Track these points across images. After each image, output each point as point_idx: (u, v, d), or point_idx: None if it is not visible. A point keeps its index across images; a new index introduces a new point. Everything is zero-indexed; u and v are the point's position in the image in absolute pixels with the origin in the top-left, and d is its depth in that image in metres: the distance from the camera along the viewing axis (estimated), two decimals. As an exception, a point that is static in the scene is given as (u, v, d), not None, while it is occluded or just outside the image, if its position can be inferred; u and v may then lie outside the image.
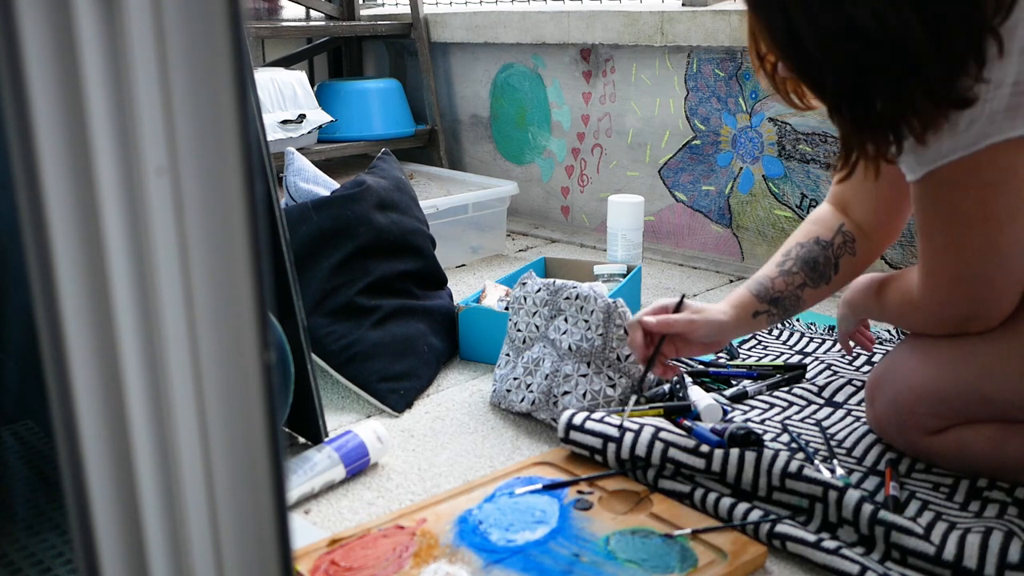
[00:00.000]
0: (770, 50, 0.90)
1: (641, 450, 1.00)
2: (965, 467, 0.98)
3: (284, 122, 2.10)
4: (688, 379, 1.24)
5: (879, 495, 0.95)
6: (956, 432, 0.97)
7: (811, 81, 0.88)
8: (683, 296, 1.10)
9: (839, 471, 0.99)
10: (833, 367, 1.31)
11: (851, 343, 1.21)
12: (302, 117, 2.14)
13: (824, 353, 1.39)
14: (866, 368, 1.30)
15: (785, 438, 1.09)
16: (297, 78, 2.18)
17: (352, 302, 1.32)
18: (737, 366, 1.32)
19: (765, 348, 1.43)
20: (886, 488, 0.95)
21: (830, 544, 0.86)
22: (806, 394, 1.21)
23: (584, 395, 1.15)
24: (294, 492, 0.99)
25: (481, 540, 0.90)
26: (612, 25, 2.06)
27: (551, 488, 0.99)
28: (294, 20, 2.67)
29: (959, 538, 0.84)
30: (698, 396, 1.17)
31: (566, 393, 1.16)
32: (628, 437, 1.01)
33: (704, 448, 0.99)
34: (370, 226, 1.36)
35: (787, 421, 1.14)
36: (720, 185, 1.99)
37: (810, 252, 1.08)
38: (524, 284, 1.28)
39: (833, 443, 1.08)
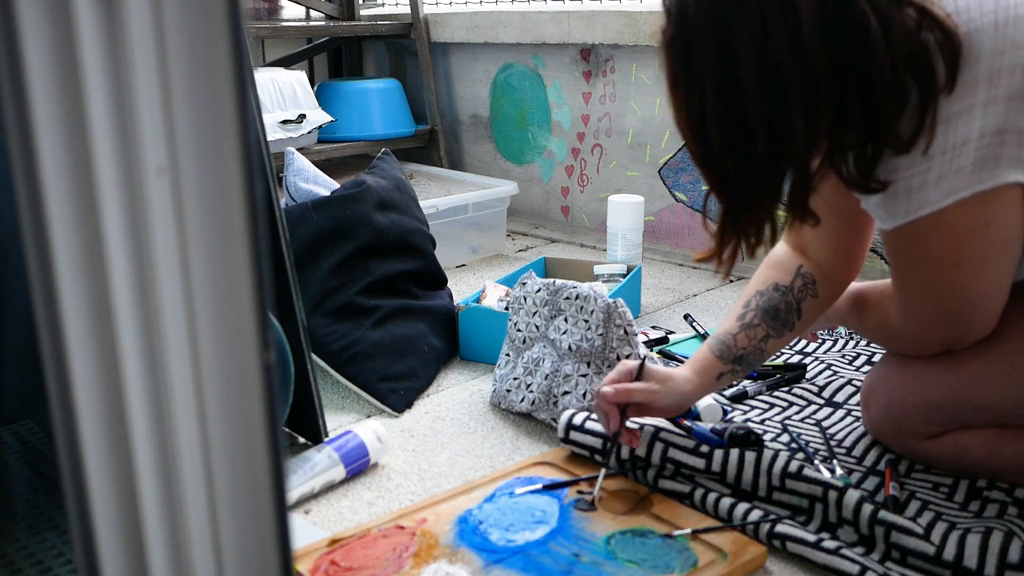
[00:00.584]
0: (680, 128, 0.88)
1: (641, 450, 1.00)
2: (963, 470, 0.98)
3: (284, 122, 2.10)
4: (688, 379, 1.24)
5: (879, 495, 0.95)
6: (953, 437, 0.97)
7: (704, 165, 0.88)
8: (644, 360, 1.05)
9: (839, 471, 0.99)
10: (833, 367, 1.31)
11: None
12: (302, 117, 2.14)
13: (824, 353, 1.39)
14: (866, 368, 1.30)
15: (785, 438, 1.09)
16: (297, 78, 2.18)
17: (352, 302, 1.32)
18: (737, 366, 1.32)
19: (765, 348, 1.43)
20: (886, 488, 0.95)
21: (830, 544, 0.86)
22: (806, 394, 1.21)
23: (584, 395, 1.15)
24: (294, 492, 0.99)
25: (481, 540, 0.90)
26: (612, 25, 2.06)
27: (551, 488, 0.99)
28: (294, 20, 2.67)
29: (959, 538, 0.84)
30: (698, 396, 1.17)
31: (566, 393, 1.16)
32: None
33: (704, 448, 0.99)
34: (370, 226, 1.36)
35: (787, 421, 1.14)
36: (720, 185, 1.99)
37: (770, 300, 1.05)
38: (524, 284, 1.28)
39: (833, 443, 1.08)
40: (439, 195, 1.98)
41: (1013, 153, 0.80)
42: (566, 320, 1.20)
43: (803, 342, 1.44)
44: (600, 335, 1.16)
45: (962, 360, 0.93)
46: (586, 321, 1.17)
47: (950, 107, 0.81)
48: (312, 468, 1.01)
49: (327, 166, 2.08)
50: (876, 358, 1.33)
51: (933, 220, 0.84)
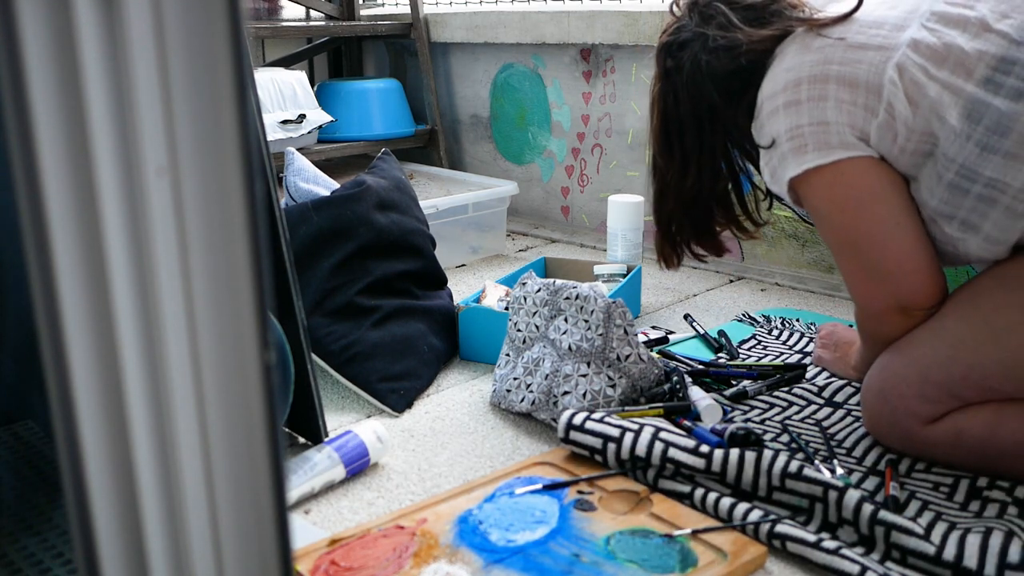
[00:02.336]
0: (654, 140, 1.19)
1: (641, 450, 1.00)
2: (962, 458, 0.98)
3: (284, 122, 2.10)
4: (688, 379, 1.24)
5: (879, 495, 0.95)
6: (951, 419, 0.97)
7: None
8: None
9: (839, 471, 0.99)
10: (833, 367, 1.31)
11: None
12: (302, 117, 2.14)
13: (824, 353, 1.39)
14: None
15: (785, 438, 1.09)
16: (297, 78, 2.18)
17: (352, 302, 1.32)
18: (737, 366, 1.32)
19: (765, 348, 1.43)
20: (886, 488, 0.95)
21: (830, 544, 0.86)
22: (806, 394, 1.21)
23: (584, 395, 1.15)
24: (294, 492, 0.99)
25: (481, 540, 0.90)
26: (612, 25, 2.06)
27: (551, 488, 0.99)
28: (294, 20, 2.67)
29: (959, 538, 0.84)
30: (698, 396, 1.17)
31: (566, 393, 1.16)
32: (628, 437, 1.01)
33: (704, 448, 0.99)
34: (370, 226, 1.36)
35: (787, 421, 1.14)
36: (720, 185, 1.99)
37: None
38: (524, 284, 1.28)
39: (833, 443, 1.08)
40: (439, 195, 1.98)
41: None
42: (566, 320, 1.20)
43: (804, 341, 1.44)
44: (600, 335, 1.16)
45: (944, 326, 0.98)
46: (586, 321, 1.17)
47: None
48: (312, 468, 1.01)
49: (327, 166, 2.08)
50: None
51: (799, 184, 1.04)
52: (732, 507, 0.93)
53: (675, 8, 1.16)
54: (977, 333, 0.96)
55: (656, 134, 1.17)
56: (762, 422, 1.14)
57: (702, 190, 1.16)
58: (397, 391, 1.26)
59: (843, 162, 1.00)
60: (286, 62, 2.56)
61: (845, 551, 0.85)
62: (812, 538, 0.87)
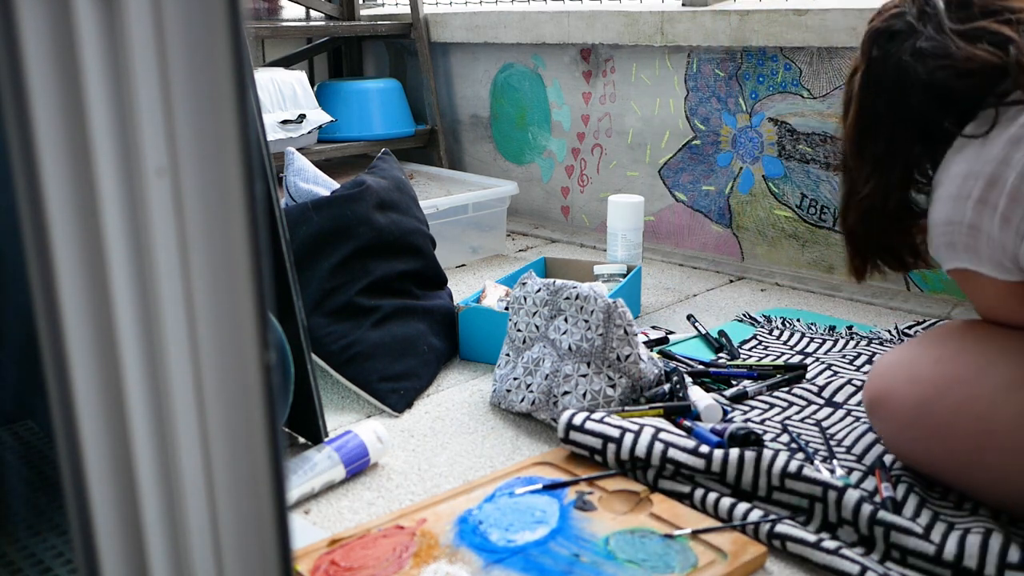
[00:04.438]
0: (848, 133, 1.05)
1: (641, 450, 1.00)
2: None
3: (284, 122, 2.10)
4: (688, 379, 1.24)
5: (878, 495, 0.95)
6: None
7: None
8: None
9: (839, 471, 0.99)
10: (833, 367, 1.31)
11: None
12: (302, 117, 2.14)
13: (824, 353, 1.39)
14: (867, 368, 1.30)
15: (785, 438, 1.09)
16: (297, 78, 2.18)
17: (352, 302, 1.32)
18: (737, 366, 1.32)
19: (765, 348, 1.43)
20: (879, 491, 0.95)
21: (830, 544, 0.86)
22: (806, 394, 1.21)
23: (584, 395, 1.15)
24: (294, 492, 0.99)
25: (481, 540, 0.90)
26: (612, 25, 2.06)
27: (551, 488, 0.99)
28: (294, 20, 2.67)
29: (959, 538, 0.84)
30: (698, 396, 1.17)
31: (566, 393, 1.16)
32: (628, 437, 1.01)
33: (704, 448, 0.99)
34: (370, 226, 1.36)
35: (787, 421, 1.14)
36: (720, 185, 1.99)
37: None
38: (524, 284, 1.28)
39: (833, 443, 1.08)
40: (439, 195, 1.98)
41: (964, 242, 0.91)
42: (566, 320, 1.20)
43: (804, 341, 1.44)
44: (600, 335, 1.16)
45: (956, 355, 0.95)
46: (586, 321, 1.17)
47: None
48: (312, 468, 1.01)
49: (327, 166, 2.08)
50: (876, 358, 1.33)
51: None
52: (732, 507, 0.93)
53: None
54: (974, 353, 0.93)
55: (851, 131, 1.03)
56: (762, 422, 1.14)
57: (874, 204, 1.02)
58: (397, 391, 1.26)
59: (988, 279, 0.91)
60: (286, 62, 2.56)
61: (845, 551, 0.85)
62: (812, 538, 0.87)
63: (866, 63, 1.01)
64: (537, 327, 1.24)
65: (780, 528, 0.89)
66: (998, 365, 0.90)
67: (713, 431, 1.07)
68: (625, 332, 1.16)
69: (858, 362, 1.33)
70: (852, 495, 0.90)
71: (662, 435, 1.01)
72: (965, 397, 0.90)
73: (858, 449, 1.05)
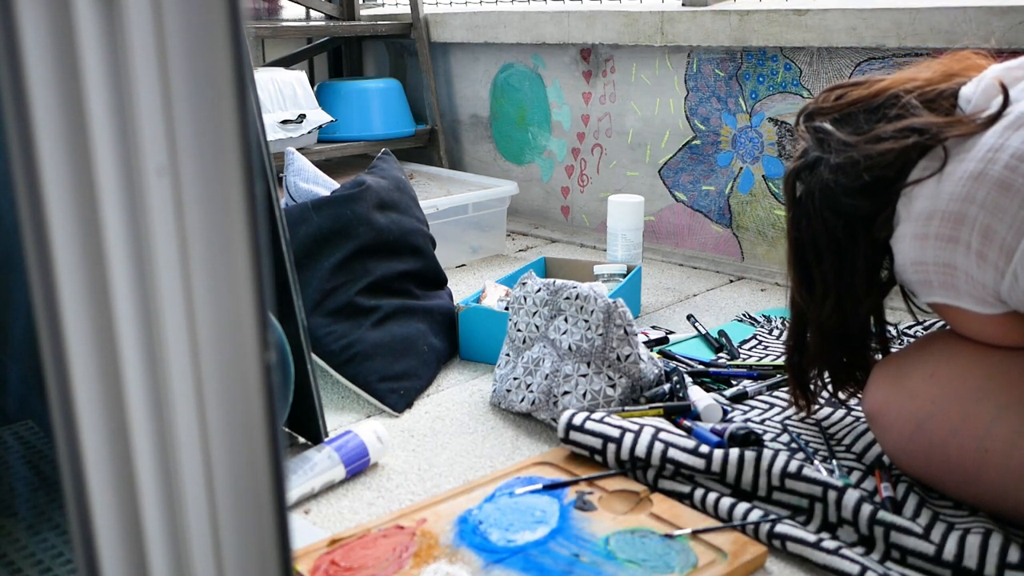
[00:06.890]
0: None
1: (641, 450, 1.00)
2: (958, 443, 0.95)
3: (284, 122, 2.10)
4: (688, 379, 1.24)
5: (878, 495, 0.95)
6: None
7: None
8: None
9: (839, 471, 0.99)
10: (833, 367, 1.31)
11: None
12: (302, 117, 2.14)
13: (824, 353, 1.39)
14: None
15: (785, 438, 1.09)
16: (297, 78, 2.18)
17: (352, 302, 1.32)
18: (737, 366, 1.32)
19: (765, 348, 1.43)
20: (879, 491, 0.95)
21: (830, 544, 0.86)
22: (806, 394, 1.21)
23: (584, 395, 1.15)
24: (294, 492, 0.99)
25: (481, 540, 0.90)
26: (612, 25, 2.06)
27: (551, 488, 0.99)
28: (294, 20, 2.67)
29: (959, 538, 0.84)
30: (698, 396, 1.17)
31: (566, 393, 1.16)
32: (628, 437, 1.01)
33: (704, 448, 0.99)
34: (370, 226, 1.36)
35: (787, 421, 1.14)
36: (720, 185, 1.99)
37: None
38: (524, 284, 1.28)
39: (833, 443, 1.08)
40: (439, 195, 1.98)
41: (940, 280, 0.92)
42: (566, 320, 1.20)
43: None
44: (600, 335, 1.16)
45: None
46: (586, 321, 1.17)
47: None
48: (312, 468, 1.01)
49: (327, 166, 2.08)
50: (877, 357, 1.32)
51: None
52: (732, 507, 0.93)
53: (798, 132, 1.07)
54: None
55: (792, 266, 1.06)
56: (762, 422, 1.14)
57: (845, 316, 1.03)
58: (397, 391, 1.26)
59: (971, 313, 0.91)
60: (286, 62, 2.56)
61: (845, 551, 0.85)
62: (812, 538, 0.87)
63: (795, 204, 1.05)
64: (537, 327, 1.24)
65: (780, 528, 0.89)
66: (995, 381, 0.90)
67: (713, 431, 1.07)
68: (625, 332, 1.16)
69: (858, 362, 1.33)
70: (852, 495, 0.90)
71: (662, 435, 1.01)
72: (962, 416, 0.90)
73: (858, 449, 1.05)
